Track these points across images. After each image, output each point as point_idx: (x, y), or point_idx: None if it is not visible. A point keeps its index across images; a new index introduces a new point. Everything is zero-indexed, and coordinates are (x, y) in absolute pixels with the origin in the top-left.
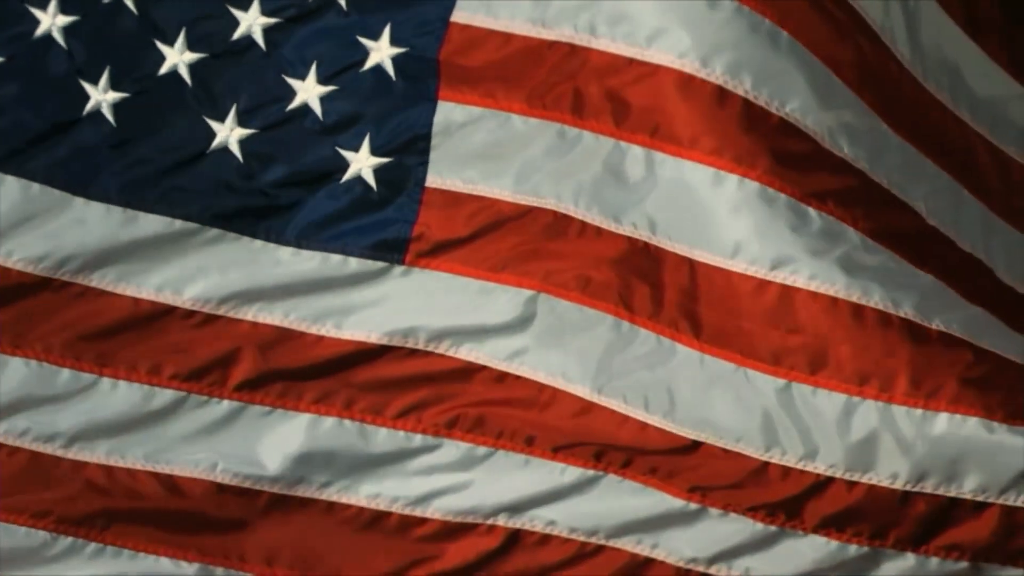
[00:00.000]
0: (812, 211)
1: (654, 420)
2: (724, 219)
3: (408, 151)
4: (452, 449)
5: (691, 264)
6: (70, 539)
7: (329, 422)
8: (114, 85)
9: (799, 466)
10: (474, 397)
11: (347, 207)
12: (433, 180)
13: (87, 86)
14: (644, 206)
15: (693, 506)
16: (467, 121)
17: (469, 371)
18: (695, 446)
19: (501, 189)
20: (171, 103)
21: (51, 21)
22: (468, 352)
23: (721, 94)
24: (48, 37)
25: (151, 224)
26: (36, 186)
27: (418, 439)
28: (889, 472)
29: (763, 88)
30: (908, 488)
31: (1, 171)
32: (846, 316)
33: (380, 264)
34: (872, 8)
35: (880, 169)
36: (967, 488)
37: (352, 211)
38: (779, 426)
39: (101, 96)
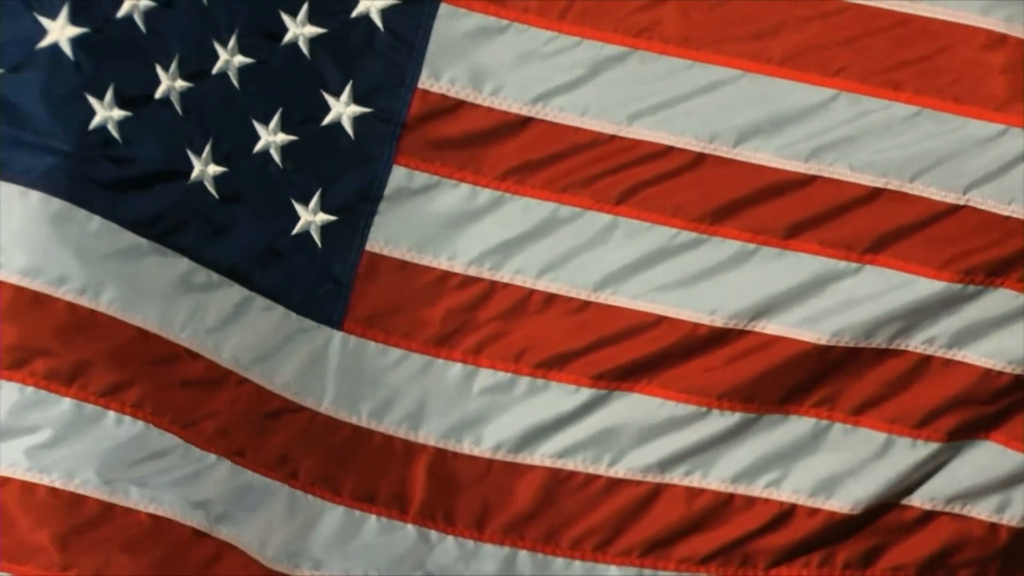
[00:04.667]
0: None
1: (613, 472)
2: None
3: (354, 212)
4: (413, 531)
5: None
6: None
7: (297, 495)
8: (119, 103)
9: (764, 495)
10: (419, 479)
11: (293, 261)
12: (374, 245)
13: (93, 101)
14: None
15: (647, 572)
16: (421, 188)
17: (413, 449)
18: (655, 492)
19: (449, 260)
20: (165, 128)
21: (60, 32)
22: (407, 431)
23: None
24: (55, 47)
25: (145, 249)
26: (36, 194)
27: (373, 520)
28: (851, 499)
29: None
30: (862, 511)
31: (4, 180)
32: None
33: (320, 326)
34: None
35: None
36: (916, 500)
37: (297, 266)
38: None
39: (108, 112)
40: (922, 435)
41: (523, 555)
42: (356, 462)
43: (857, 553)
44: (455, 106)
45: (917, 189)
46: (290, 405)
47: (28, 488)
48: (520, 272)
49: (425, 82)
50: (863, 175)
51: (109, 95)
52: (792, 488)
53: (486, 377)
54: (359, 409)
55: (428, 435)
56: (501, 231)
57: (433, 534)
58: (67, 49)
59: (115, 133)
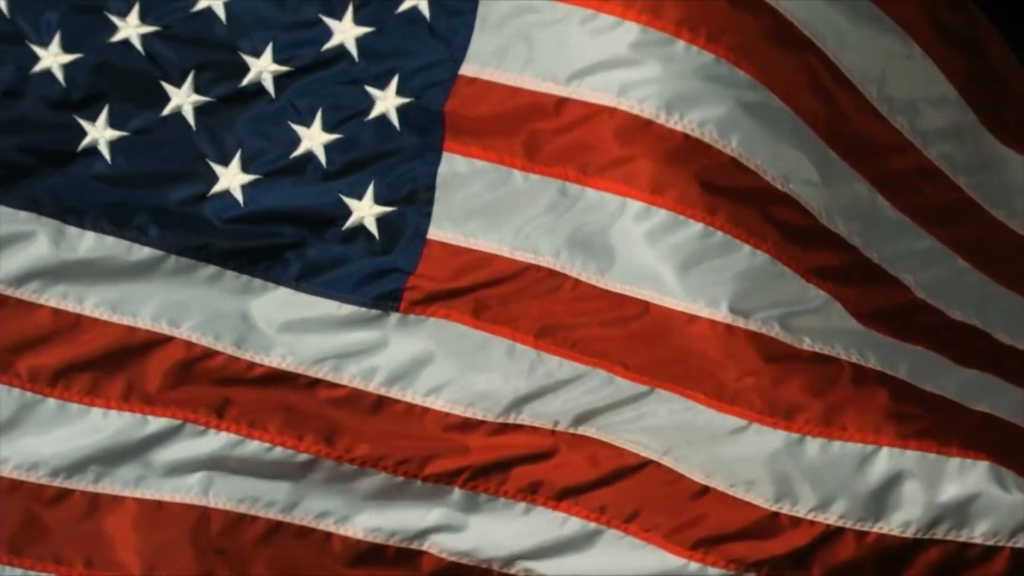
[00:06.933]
0: (812, 288)
1: (665, 461)
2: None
3: (412, 201)
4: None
5: (691, 320)
6: None
7: (327, 464)
8: (113, 123)
9: (809, 516)
10: (476, 449)
11: (347, 254)
12: (435, 232)
13: (84, 123)
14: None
15: (693, 565)
16: (470, 173)
17: (470, 424)
18: (703, 491)
19: (500, 244)
20: (173, 144)
21: (52, 59)
22: (465, 408)
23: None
24: (48, 72)
25: (145, 256)
26: (23, 213)
27: (418, 484)
28: (901, 521)
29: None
30: (919, 536)
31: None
32: (848, 375)
33: (375, 311)
34: (855, 64)
35: (872, 245)
36: (978, 533)
37: (352, 258)
38: (790, 475)
39: (99, 133)
40: (969, 456)
41: (574, 521)
42: (404, 439)
43: (920, 571)
44: (497, 89)
45: None
46: (339, 388)
47: None
48: (555, 256)
49: (468, 68)
50: None
51: (103, 116)
52: (839, 513)
53: (547, 360)
54: (413, 386)
55: (487, 413)
56: (543, 215)
57: (482, 497)
58: (58, 74)
59: (106, 153)
